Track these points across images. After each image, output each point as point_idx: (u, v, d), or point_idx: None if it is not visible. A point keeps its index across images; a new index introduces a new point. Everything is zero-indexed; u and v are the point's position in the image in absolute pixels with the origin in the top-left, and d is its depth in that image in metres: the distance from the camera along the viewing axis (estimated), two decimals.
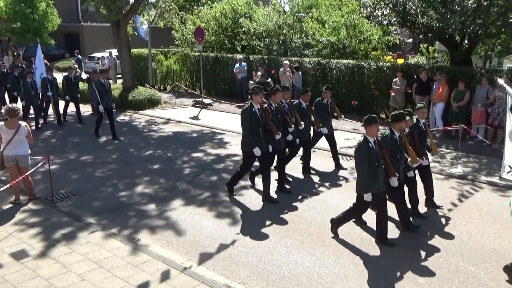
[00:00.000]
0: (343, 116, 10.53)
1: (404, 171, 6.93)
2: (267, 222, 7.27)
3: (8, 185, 7.42)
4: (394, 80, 14.14)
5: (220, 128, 14.23)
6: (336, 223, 6.79)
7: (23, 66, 18.61)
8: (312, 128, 9.72)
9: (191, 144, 12.29)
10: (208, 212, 7.70)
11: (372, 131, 6.24)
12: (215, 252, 6.31)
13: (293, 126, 8.60)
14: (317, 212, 7.68)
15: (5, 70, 16.46)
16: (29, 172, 7.81)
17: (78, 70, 17.87)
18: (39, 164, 8.34)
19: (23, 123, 7.75)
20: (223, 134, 13.55)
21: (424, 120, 7.59)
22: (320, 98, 9.69)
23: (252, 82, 17.64)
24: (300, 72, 16.53)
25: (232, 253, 6.29)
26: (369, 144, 6.21)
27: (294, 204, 8.01)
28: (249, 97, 8.21)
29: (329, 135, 9.82)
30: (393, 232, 6.91)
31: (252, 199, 8.25)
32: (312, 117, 9.35)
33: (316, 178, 9.41)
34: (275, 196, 8.28)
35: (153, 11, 20.98)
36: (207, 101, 18.10)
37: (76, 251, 6.19)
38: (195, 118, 15.94)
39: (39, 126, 14.01)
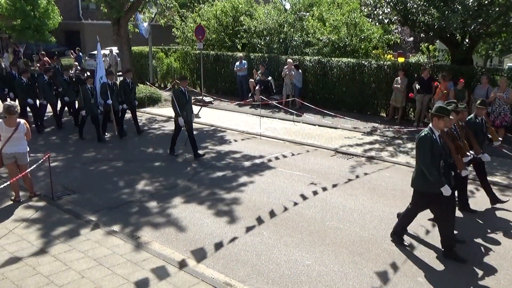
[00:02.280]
0: (500, 139, 9.13)
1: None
2: (267, 220, 7.28)
3: (8, 183, 7.43)
4: (395, 79, 14.13)
5: (220, 126, 14.23)
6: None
7: (59, 66, 16.94)
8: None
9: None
10: (209, 210, 7.71)
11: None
12: (215, 250, 6.31)
13: (469, 154, 6.69)
14: (317, 210, 7.68)
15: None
16: (29, 170, 7.81)
17: (78, 67, 17.82)
18: (39, 162, 8.34)
19: (22, 121, 7.74)
20: (223, 132, 13.55)
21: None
22: (473, 115, 7.69)
23: (253, 80, 17.66)
24: (300, 70, 16.52)
25: (232, 251, 6.30)
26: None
27: (294, 202, 8.01)
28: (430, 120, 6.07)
29: (479, 161, 7.65)
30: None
31: (252, 197, 8.25)
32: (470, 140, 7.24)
33: (316, 177, 9.40)
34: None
35: (154, 9, 20.96)
36: (207, 99, 18.10)
37: (76, 249, 6.19)
38: (196, 116, 15.88)
39: (121, 133, 12.46)
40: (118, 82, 13.38)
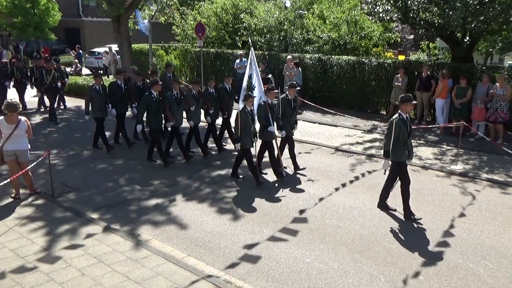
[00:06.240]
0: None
1: None
2: (267, 218, 7.28)
3: (8, 180, 7.43)
4: (395, 76, 14.12)
5: (220, 124, 14.17)
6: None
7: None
8: None
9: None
10: (208, 208, 7.72)
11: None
12: (215, 248, 6.32)
13: None
14: (317, 208, 7.69)
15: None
16: (29, 167, 7.81)
17: (78, 65, 17.76)
18: (40, 159, 8.34)
19: (23, 118, 7.74)
20: None
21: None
22: None
23: None
24: (300, 68, 16.51)
25: (232, 248, 6.30)
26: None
27: (294, 200, 8.02)
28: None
29: None
30: (395, 227, 6.94)
31: (252, 195, 8.26)
32: None
33: (316, 175, 9.40)
34: None
35: (154, 6, 20.92)
36: None
37: (76, 246, 6.20)
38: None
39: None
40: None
